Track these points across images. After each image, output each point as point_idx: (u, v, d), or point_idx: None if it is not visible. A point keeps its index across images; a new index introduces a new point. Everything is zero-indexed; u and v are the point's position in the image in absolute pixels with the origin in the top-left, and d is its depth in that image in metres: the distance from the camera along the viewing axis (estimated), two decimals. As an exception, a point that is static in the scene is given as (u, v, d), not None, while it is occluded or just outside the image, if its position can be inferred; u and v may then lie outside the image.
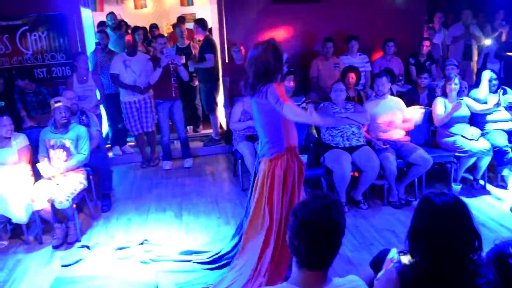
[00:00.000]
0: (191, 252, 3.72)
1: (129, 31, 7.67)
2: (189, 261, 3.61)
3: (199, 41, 6.57)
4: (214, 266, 3.52)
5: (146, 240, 3.96)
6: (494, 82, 4.93)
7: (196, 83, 6.77)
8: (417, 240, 1.77)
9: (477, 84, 5.26)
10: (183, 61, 6.22)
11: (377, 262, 2.15)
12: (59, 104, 4.15)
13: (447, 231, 1.68)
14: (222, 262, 3.52)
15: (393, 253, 2.09)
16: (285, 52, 3.01)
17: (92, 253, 3.84)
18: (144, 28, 8.31)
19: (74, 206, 4.09)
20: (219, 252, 3.60)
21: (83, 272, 3.51)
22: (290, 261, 3.03)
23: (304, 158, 3.49)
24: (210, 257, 3.60)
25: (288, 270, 3.11)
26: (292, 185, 3.10)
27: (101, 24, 7.30)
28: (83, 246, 3.95)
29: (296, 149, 3.14)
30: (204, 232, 4.14)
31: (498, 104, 4.74)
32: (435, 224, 1.70)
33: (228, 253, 3.55)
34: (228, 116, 5.38)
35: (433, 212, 1.72)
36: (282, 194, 3.07)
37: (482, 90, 4.97)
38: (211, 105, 6.46)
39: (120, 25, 7.55)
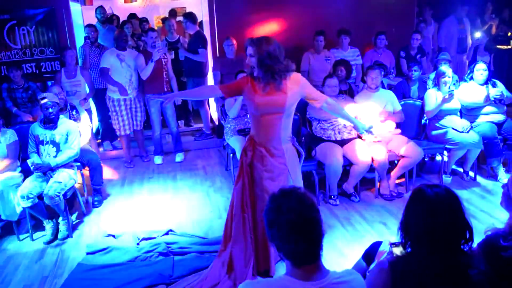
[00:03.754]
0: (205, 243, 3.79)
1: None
2: (206, 251, 3.64)
3: (190, 35, 6.52)
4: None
5: (171, 230, 3.99)
6: (484, 72, 4.92)
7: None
8: (409, 231, 1.78)
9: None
10: (173, 56, 6.18)
11: (369, 255, 2.17)
12: (45, 100, 4.10)
13: (439, 222, 1.69)
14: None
15: (385, 245, 2.10)
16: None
17: (117, 242, 3.86)
18: (133, 21, 8.20)
19: (65, 202, 4.06)
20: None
21: (105, 260, 3.56)
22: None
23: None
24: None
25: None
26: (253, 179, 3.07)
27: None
28: (109, 235, 3.97)
29: (264, 145, 3.06)
30: (196, 227, 4.13)
31: (487, 99, 4.77)
32: (427, 216, 1.71)
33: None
34: (220, 111, 5.36)
35: (426, 203, 1.73)
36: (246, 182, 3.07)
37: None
38: (199, 100, 6.42)
39: (111, 19, 7.47)
